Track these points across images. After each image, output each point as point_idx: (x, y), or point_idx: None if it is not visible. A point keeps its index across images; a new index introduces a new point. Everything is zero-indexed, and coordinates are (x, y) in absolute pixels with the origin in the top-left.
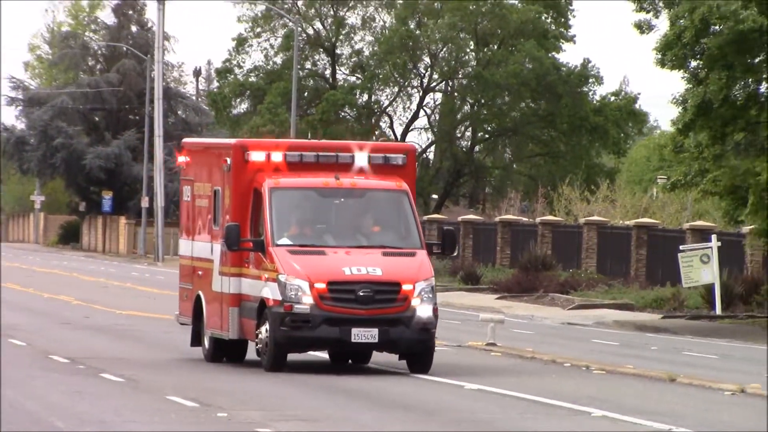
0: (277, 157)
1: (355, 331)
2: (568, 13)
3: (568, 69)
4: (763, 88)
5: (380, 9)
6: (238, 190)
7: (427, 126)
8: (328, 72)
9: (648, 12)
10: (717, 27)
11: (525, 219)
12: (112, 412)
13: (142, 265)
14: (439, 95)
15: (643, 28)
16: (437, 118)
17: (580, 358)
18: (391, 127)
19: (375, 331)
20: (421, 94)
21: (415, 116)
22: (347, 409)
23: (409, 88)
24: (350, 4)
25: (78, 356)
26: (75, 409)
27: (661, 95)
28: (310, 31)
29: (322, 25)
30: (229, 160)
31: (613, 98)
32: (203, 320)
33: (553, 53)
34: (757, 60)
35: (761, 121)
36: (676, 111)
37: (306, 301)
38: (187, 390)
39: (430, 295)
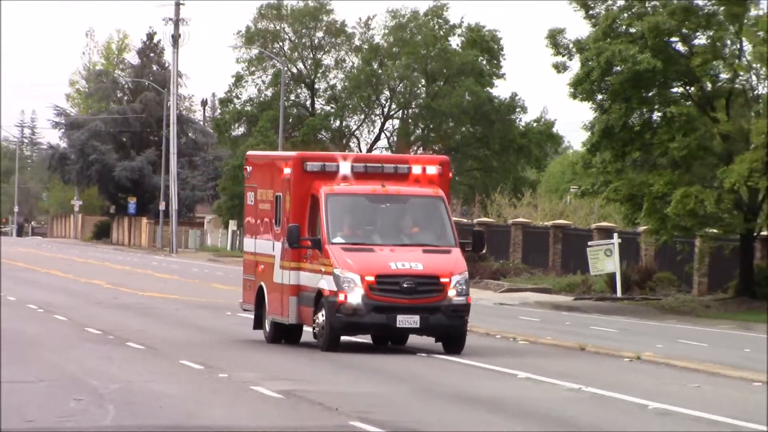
0: (331, 167)
1: (399, 317)
2: (500, 56)
3: (499, 101)
4: (655, 116)
5: (350, 52)
6: (298, 196)
7: (387, 146)
8: (308, 103)
9: (563, 56)
10: (618, 67)
11: (465, 220)
12: (135, 373)
13: (160, 256)
14: (396, 121)
15: (559, 68)
16: (395, 140)
17: (509, 331)
18: (359, 147)
19: (417, 318)
20: (382, 120)
21: (378, 138)
22: (328, 374)
23: (372, 116)
24: (326, 49)
25: (108, 329)
26: (106, 371)
27: (574, 122)
28: (294, 71)
29: (304, 65)
30: (290, 170)
31: (535, 124)
32: (265, 307)
33: (488, 88)
34: (650, 94)
35: (653, 143)
36: (586, 134)
37: (357, 292)
38: (196, 356)
39: (464, 287)
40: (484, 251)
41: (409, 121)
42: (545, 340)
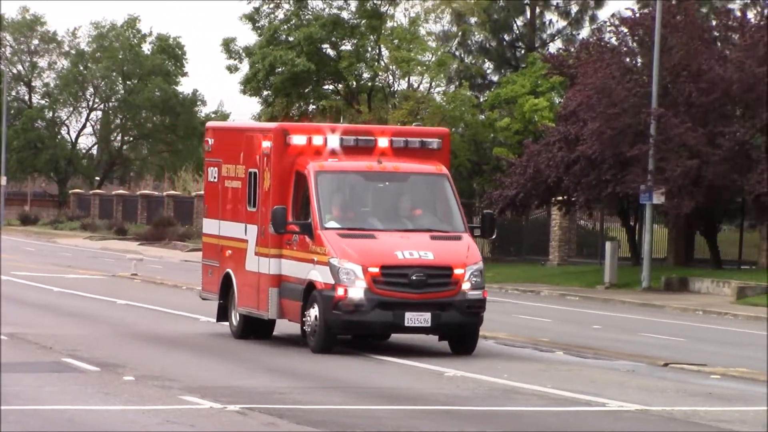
0: (318, 140)
1: (408, 315)
2: (183, 60)
3: (183, 96)
4: (311, 108)
5: (60, 56)
6: (279, 173)
7: (92, 133)
8: (27, 98)
9: (235, 60)
10: (280, 69)
11: (157, 193)
12: None
13: None
14: (99, 113)
15: (231, 69)
16: (98, 127)
17: (195, 284)
18: (69, 134)
19: (428, 315)
20: (88, 112)
21: (84, 126)
22: (44, 318)
23: (80, 108)
24: (41, 54)
25: None
26: None
27: (246, 113)
28: (14, 71)
29: (23, 67)
30: (269, 144)
31: (213, 114)
32: (232, 298)
33: (174, 86)
34: (306, 90)
35: None
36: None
37: (359, 285)
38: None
39: (479, 279)
40: (494, 236)
41: (110, 112)
42: None
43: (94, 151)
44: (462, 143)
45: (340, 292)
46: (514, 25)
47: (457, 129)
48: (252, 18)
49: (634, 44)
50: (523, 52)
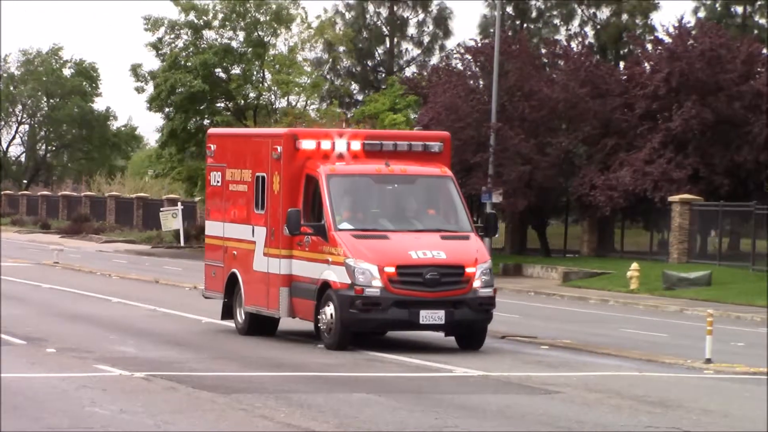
0: (326, 145)
1: (423, 313)
2: (98, 81)
3: (98, 112)
4: (206, 122)
5: None
6: (289, 177)
7: (21, 143)
8: None
9: (142, 82)
10: (179, 89)
11: (75, 193)
12: None
13: None
14: (27, 126)
15: (139, 90)
16: (26, 138)
17: (106, 270)
18: (0, 144)
19: (442, 313)
20: (17, 125)
21: (13, 138)
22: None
23: (10, 123)
24: None
25: None
26: None
27: (151, 126)
28: None
29: None
30: (279, 148)
31: (123, 128)
32: (239, 297)
33: (90, 103)
34: (201, 107)
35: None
36: (158, 135)
37: (376, 285)
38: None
39: (489, 277)
40: (496, 235)
41: (36, 126)
42: (131, 276)
43: (23, 158)
44: None
45: (357, 291)
46: (376, 53)
47: None
48: (156, 46)
49: (477, 69)
50: (383, 75)
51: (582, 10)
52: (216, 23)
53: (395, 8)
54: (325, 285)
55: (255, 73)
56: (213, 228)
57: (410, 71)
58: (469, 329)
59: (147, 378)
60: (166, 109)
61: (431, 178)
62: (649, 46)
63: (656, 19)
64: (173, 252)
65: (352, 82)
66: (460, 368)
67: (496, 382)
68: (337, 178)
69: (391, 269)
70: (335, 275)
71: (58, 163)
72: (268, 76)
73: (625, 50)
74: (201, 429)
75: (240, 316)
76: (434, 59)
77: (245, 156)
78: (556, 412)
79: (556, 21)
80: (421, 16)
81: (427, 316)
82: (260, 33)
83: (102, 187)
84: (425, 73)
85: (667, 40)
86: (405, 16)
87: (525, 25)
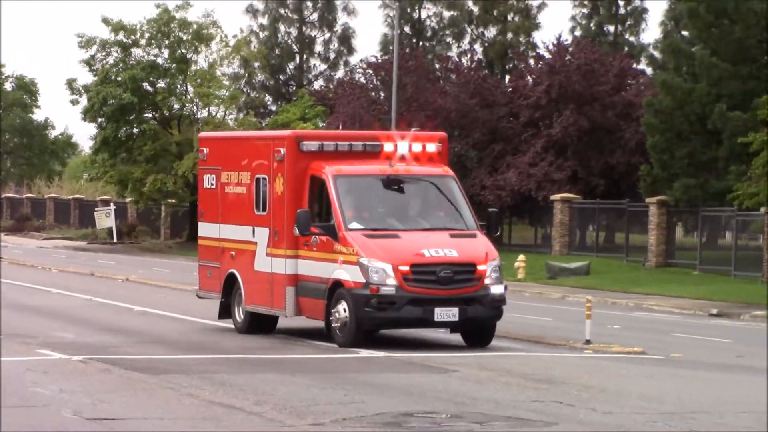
0: (329, 146)
1: (437, 310)
2: (37, 95)
3: (37, 122)
4: (135, 131)
5: None
6: (293, 178)
7: None
8: None
9: (77, 95)
10: (111, 101)
11: (18, 195)
12: None
13: None
14: None
15: (74, 102)
16: None
17: (47, 264)
18: None
19: (455, 310)
20: None
21: None
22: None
23: None
24: None
25: None
26: None
27: (85, 134)
28: None
29: None
30: (282, 150)
31: (60, 136)
32: (237, 296)
33: (30, 114)
34: (131, 117)
35: (134, 147)
36: (92, 142)
37: (390, 283)
38: None
39: (499, 274)
40: (498, 233)
41: None
42: (69, 269)
43: None
44: None
45: (372, 290)
46: (287, 68)
47: None
48: (89, 63)
49: (378, 82)
50: (294, 88)
51: (471, 30)
52: (143, 42)
53: (304, 28)
54: (337, 284)
55: (179, 86)
56: (208, 229)
57: (318, 84)
58: (480, 326)
59: (84, 361)
60: (99, 119)
61: (435, 178)
62: (532, 62)
63: (538, 37)
64: (107, 248)
65: (266, 95)
66: (365, 350)
67: (399, 362)
68: (344, 178)
69: (405, 267)
70: (348, 274)
71: (2, 168)
72: (190, 89)
73: (510, 65)
74: (133, 406)
75: (239, 315)
76: (339, 74)
77: (243, 158)
78: (453, 389)
79: (449, 39)
80: (327, 35)
81: (441, 313)
82: (183, 50)
83: (42, 190)
84: (331, 86)
85: (548, 56)
86: (313, 35)
87: (421, 43)
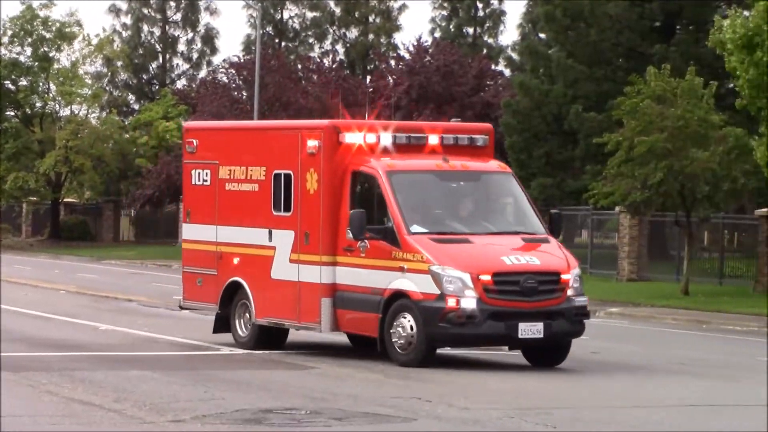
0: (371, 138)
1: (521, 326)
2: None
3: None
4: None
5: None
6: (331, 174)
7: None
8: None
9: None
10: None
11: None
12: None
13: None
14: None
15: None
16: None
17: None
18: None
19: (540, 326)
20: None
21: None
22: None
23: None
24: None
25: None
26: None
27: None
28: None
29: None
30: (316, 143)
31: None
32: (241, 308)
33: None
34: None
35: None
36: None
37: (469, 295)
38: None
39: (580, 285)
40: (560, 238)
41: None
42: None
43: None
44: (113, 155)
45: (450, 303)
46: (150, 67)
47: (108, 145)
48: None
49: (240, 82)
50: (157, 87)
51: (333, 31)
52: (5, 39)
53: (167, 28)
54: (398, 295)
55: (41, 84)
56: (198, 232)
57: (181, 84)
58: (562, 343)
59: None
60: None
61: (494, 175)
62: (392, 62)
63: (398, 38)
64: None
65: (129, 93)
66: (226, 348)
67: (260, 359)
68: (399, 175)
69: (486, 277)
70: (414, 285)
71: None
72: (53, 87)
73: (372, 66)
74: None
75: (242, 328)
76: (202, 73)
77: (253, 151)
78: (313, 385)
79: (311, 40)
80: (191, 35)
81: (525, 329)
82: (46, 49)
83: None
84: (194, 86)
85: (408, 57)
86: (176, 35)
87: (283, 43)
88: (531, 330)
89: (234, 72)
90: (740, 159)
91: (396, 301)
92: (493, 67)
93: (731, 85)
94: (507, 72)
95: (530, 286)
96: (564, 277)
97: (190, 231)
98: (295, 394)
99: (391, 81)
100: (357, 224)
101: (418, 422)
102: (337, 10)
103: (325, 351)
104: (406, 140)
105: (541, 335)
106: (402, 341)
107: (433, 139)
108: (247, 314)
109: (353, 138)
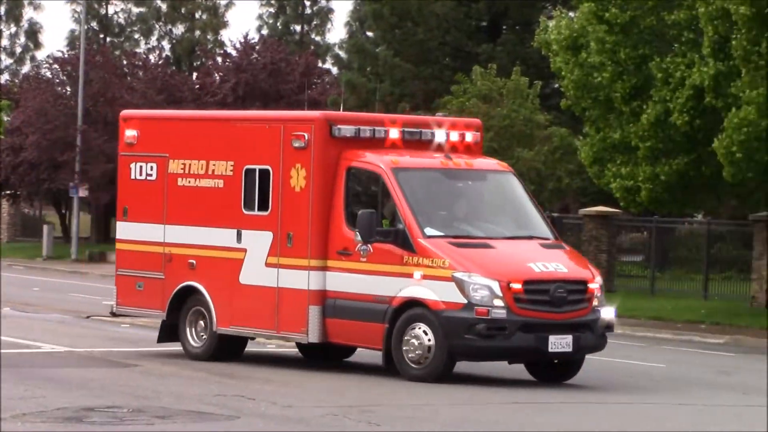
0: (365, 132)
1: (552, 339)
2: None
3: None
4: None
5: None
6: (323, 170)
7: None
8: None
9: None
10: None
11: None
12: None
13: None
14: None
15: None
16: None
17: None
18: None
19: (569, 339)
20: None
21: None
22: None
23: None
24: None
25: None
26: None
27: None
28: None
29: None
30: (306, 135)
31: None
32: (194, 315)
33: None
34: None
35: None
36: None
37: (498, 304)
38: None
39: (602, 295)
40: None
41: None
42: None
43: None
44: None
45: (479, 313)
46: None
47: None
48: None
49: (65, 77)
50: None
51: (159, 26)
52: None
53: None
54: (410, 304)
55: None
56: (139, 231)
57: (4, 79)
58: (583, 356)
59: None
60: None
61: (498, 174)
62: (219, 59)
63: (225, 35)
64: None
65: None
66: (48, 345)
67: (80, 357)
68: (406, 173)
69: (517, 285)
70: (433, 293)
71: None
72: None
73: (198, 62)
74: None
75: (193, 338)
76: (26, 68)
77: (218, 144)
78: (136, 383)
79: (137, 36)
80: (14, 29)
81: (555, 342)
82: None
83: None
84: (17, 81)
85: (235, 54)
86: None
87: (108, 38)
88: (561, 343)
89: (58, 67)
90: (564, 159)
91: (408, 311)
92: (320, 64)
93: (556, 86)
94: (334, 70)
95: (560, 296)
96: (591, 286)
97: (127, 230)
98: (118, 392)
99: (218, 78)
100: (367, 225)
101: (241, 420)
102: (164, 6)
103: (147, 349)
104: (399, 135)
105: (570, 349)
106: (416, 354)
107: (426, 135)
108: (203, 322)
109: (348, 132)
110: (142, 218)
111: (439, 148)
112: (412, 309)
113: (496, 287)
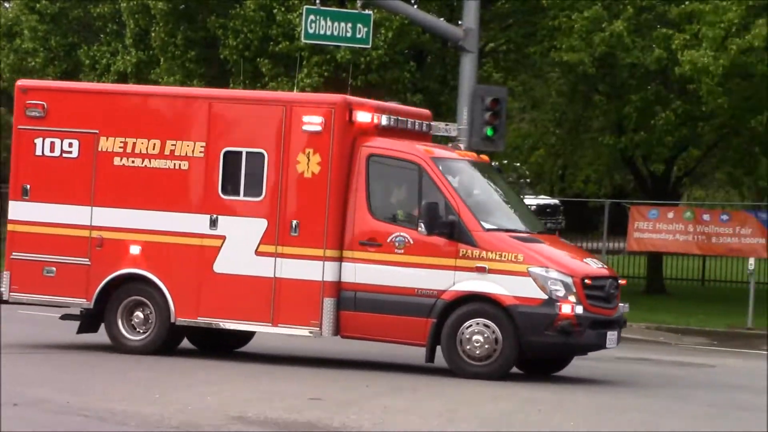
0: (376, 119)
1: (609, 335)
2: None
3: None
4: None
5: None
6: (339, 157)
7: None
8: None
9: None
10: None
11: None
12: None
13: None
14: None
15: None
16: None
17: None
18: None
19: (616, 334)
20: None
21: None
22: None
23: None
24: None
25: None
26: None
27: None
28: None
29: None
30: (320, 119)
31: None
32: (141, 306)
33: None
34: None
35: None
36: None
37: (573, 301)
38: None
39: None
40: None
41: None
42: None
43: None
44: None
45: (565, 309)
46: None
47: None
48: None
49: None
50: None
51: None
52: None
53: None
54: (468, 298)
55: None
56: (48, 212)
57: None
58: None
59: None
60: None
61: (491, 167)
62: None
63: None
64: None
65: None
66: None
67: None
68: (445, 163)
69: (588, 281)
70: (503, 288)
71: None
72: None
73: None
74: None
75: (126, 329)
76: None
77: (182, 123)
78: None
79: None
80: None
81: (611, 338)
82: None
83: None
84: None
85: None
86: None
87: None
88: (612, 339)
89: None
90: None
91: (464, 305)
92: None
93: None
94: None
95: (612, 292)
96: (621, 282)
97: (27, 210)
98: None
99: None
100: (433, 216)
101: None
102: None
103: None
104: (394, 123)
105: (615, 345)
106: (481, 351)
107: (404, 123)
108: (141, 314)
109: (365, 118)
110: (54, 199)
111: (403, 135)
112: (470, 304)
113: (571, 283)
